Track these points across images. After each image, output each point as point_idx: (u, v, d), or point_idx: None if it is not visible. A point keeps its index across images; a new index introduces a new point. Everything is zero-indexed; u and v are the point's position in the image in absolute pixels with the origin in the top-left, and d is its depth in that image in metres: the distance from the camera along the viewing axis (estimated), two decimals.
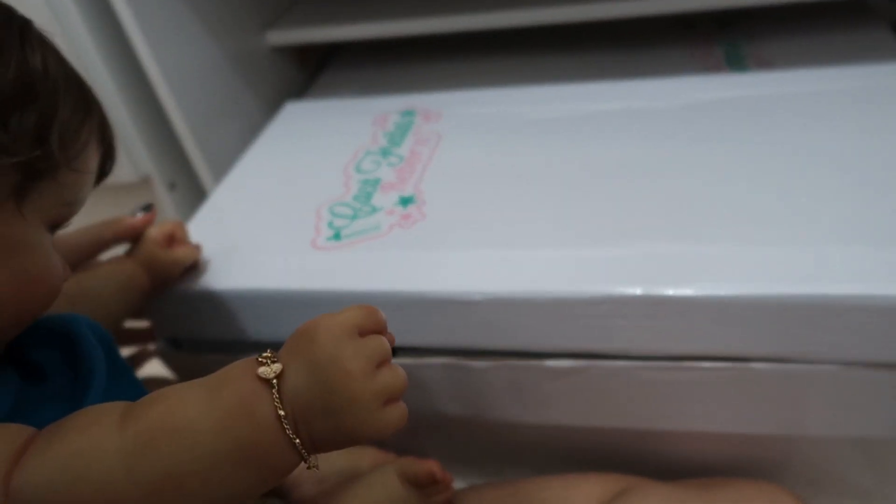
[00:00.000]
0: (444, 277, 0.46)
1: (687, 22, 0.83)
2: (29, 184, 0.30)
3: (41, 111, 0.29)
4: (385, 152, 0.61)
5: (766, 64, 0.72)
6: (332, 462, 0.51)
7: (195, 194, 0.78)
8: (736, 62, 0.74)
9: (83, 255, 0.47)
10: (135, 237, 0.50)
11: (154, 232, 0.49)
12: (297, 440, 0.26)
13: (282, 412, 0.26)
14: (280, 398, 0.26)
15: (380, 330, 0.29)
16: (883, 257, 0.41)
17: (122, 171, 0.74)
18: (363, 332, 0.28)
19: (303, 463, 0.28)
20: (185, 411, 0.26)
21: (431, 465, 0.45)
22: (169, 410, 0.27)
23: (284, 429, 0.26)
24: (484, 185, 0.54)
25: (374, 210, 0.54)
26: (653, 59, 0.79)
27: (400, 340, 0.46)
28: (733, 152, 0.52)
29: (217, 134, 0.75)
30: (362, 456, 0.51)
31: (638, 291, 0.42)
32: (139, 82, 0.70)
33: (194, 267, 0.52)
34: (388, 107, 0.68)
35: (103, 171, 0.36)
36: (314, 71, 0.93)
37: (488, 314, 0.45)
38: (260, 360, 0.27)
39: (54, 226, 0.33)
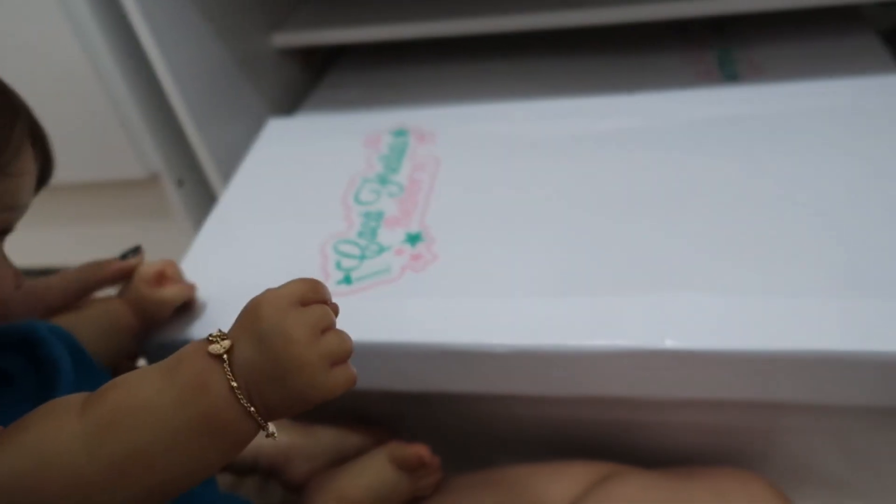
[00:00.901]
0: (464, 328, 0.46)
1: (682, 26, 0.85)
2: None
3: None
4: (383, 180, 0.60)
5: (757, 69, 0.74)
6: (321, 439, 0.53)
7: (203, 191, 0.81)
8: (728, 66, 0.76)
9: (69, 299, 0.46)
10: (121, 280, 0.48)
11: (143, 270, 0.48)
12: (252, 408, 0.28)
13: (234, 384, 0.28)
14: (232, 371, 0.28)
15: (322, 300, 0.31)
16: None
17: (132, 167, 0.76)
18: (305, 303, 0.30)
19: (261, 431, 0.29)
20: (143, 391, 0.28)
21: (420, 449, 0.47)
22: (127, 392, 0.28)
23: (239, 399, 0.28)
24: (491, 220, 0.54)
25: (382, 249, 0.53)
26: (647, 62, 0.81)
27: (419, 388, 0.48)
28: (745, 178, 0.52)
29: (224, 132, 0.77)
30: (350, 433, 0.53)
31: (664, 346, 0.42)
32: (149, 82, 0.72)
33: (187, 307, 0.50)
34: (378, 125, 0.67)
35: (43, 173, 0.36)
36: (318, 71, 0.95)
37: (510, 364, 0.46)
38: (210, 338, 0.29)
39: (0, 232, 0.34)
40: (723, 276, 0.46)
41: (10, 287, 0.34)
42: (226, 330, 0.30)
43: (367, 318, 0.47)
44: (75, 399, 0.28)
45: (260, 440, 0.49)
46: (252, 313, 0.29)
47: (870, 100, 0.58)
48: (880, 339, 0.40)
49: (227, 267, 0.54)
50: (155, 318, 0.48)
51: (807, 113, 0.58)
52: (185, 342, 0.47)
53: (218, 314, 0.50)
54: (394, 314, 0.47)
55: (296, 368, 0.28)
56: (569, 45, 0.87)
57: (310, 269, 0.52)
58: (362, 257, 0.53)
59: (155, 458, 0.27)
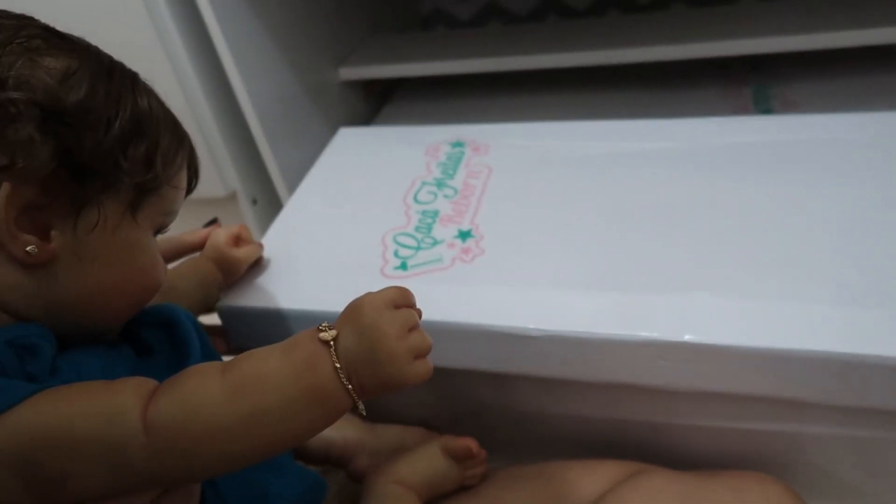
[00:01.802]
0: (506, 313, 0.51)
1: (722, 63, 0.90)
2: (141, 198, 0.38)
3: (149, 142, 0.38)
4: (440, 184, 0.66)
5: (790, 105, 0.79)
6: (385, 437, 0.59)
7: (274, 209, 0.89)
8: (763, 102, 0.80)
9: (167, 259, 0.54)
10: (194, 249, 0.58)
11: (222, 233, 0.57)
12: (350, 386, 0.34)
13: (337, 365, 0.34)
14: (336, 355, 0.34)
15: (411, 304, 0.37)
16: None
17: (214, 187, 0.85)
18: (397, 306, 0.36)
19: (354, 406, 0.35)
20: (269, 364, 0.34)
21: (469, 442, 0.53)
22: (257, 363, 0.34)
23: (340, 378, 0.34)
24: (535, 222, 0.59)
25: (436, 242, 0.59)
26: (687, 96, 0.86)
27: (461, 365, 0.54)
28: (766, 198, 0.57)
29: (294, 156, 0.86)
30: (411, 434, 0.60)
31: (682, 338, 0.47)
32: (232, 110, 0.81)
33: (258, 265, 0.59)
34: (438, 137, 0.73)
35: (190, 187, 0.44)
36: (379, 102, 1.03)
37: (544, 348, 0.51)
38: (320, 328, 0.35)
39: (157, 231, 0.41)
40: (741, 280, 0.50)
41: (164, 274, 0.42)
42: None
43: (419, 300, 0.52)
44: (215, 365, 0.35)
45: (331, 435, 0.57)
46: (355, 310, 0.36)
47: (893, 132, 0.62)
48: (885, 344, 0.44)
49: (301, 247, 0.61)
50: (232, 273, 0.56)
51: (832, 142, 0.62)
52: (261, 308, 0.56)
53: (292, 286, 0.57)
54: (443, 298, 0.53)
55: (386, 358, 0.34)
56: (615, 79, 0.93)
57: (371, 255, 0.58)
58: (418, 248, 0.59)
59: (274, 416, 0.33)
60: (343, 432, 0.58)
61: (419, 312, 0.38)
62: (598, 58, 0.85)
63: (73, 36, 0.37)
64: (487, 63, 0.90)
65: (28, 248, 0.34)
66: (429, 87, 1.02)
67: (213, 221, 0.61)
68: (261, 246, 0.59)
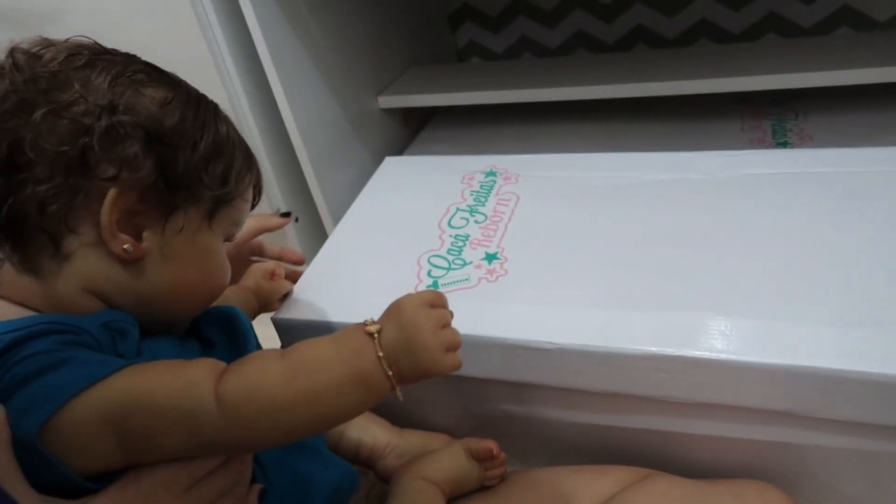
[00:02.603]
0: (524, 328, 0.56)
1: (741, 96, 0.94)
2: (216, 209, 0.44)
3: (226, 162, 0.44)
4: (472, 210, 0.72)
5: (806, 139, 0.82)
6: (411, 441, 0.64)
7: (315, 227, 0.95)
8: (780, 135, 0.84)
9: (249, 235, 0.67)
10: (272, 230, 0.68)
11: (261, 267, 0.64)
12: (390, 373, 0.39)
13: (380, 354, 0.39)
14: (379, 345, 0.39)
15: (444, 305, 0.43)
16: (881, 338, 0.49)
17: (260, 205, 0.91)
18: (433, 306, 0.41)
19: (393, 392, 0.40)
20: (321, 350, 0.39)
21: (491, 444, 0.57)
22: (311, 349, 0.40)
23: (382, 365, 0.39)
24: (555, 246, 0.64)
25: (465, 263, 0.64)
26: (708, 128, 0.90)
27: (483, 375, 0.59)
28: (775, 226, 0.61)
29: (334, 178, 0.92)
30: (436, 439, 0.64)
31: (676, 352, 0.52)
32: (279, 135, 0.87)
33: (288, 297, 0.65)
34: (473, 166, 0.79)
35: (254, 203, 0.50)
36: (416, 129, 1.09)
37: (557, 360, 0.55)
38: (366, 323, 0.41)
39: (226, 239, 0.47)
40: (745, 300, 0.54)
41: (229, 277, 0.47)
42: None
43: None
44: (275, 351, 0.40)
45: (362, 436, 0.62)
46: (396, 308, 0.41)
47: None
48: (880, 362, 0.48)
49: (348, 266, 0.68)
50: (267, 301, 0.63)
51: (839, 175, 0.65)
52: (310, 321, 0.62)
53: (338, 302, 0.63)
54: (468, 313, 0.57)
55: (422, 349, 0.39)
56: (639, 111, 0.97)
57: (407, 274, 0.64)
58: (448, 268, 0.64)
59: (325, 395, 0.38)
60: (373, 435, 0.63)
61: (451, 313, 0.43)
62: (625, 91, 0.90)
63: (168, 71, 0.44)
64: (519, 94, 0.95)
65: (125, 246, 0.40)
66: (463, 115, 1.07)
67: (288, 214, 0.73)
68: (291, 284, 0.66)
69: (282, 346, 0.65)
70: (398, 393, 0.40)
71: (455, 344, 0.41)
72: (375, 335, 0.40)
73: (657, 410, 0.57)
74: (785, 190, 0.65)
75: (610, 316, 0.56)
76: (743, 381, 0.51)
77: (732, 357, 0.50)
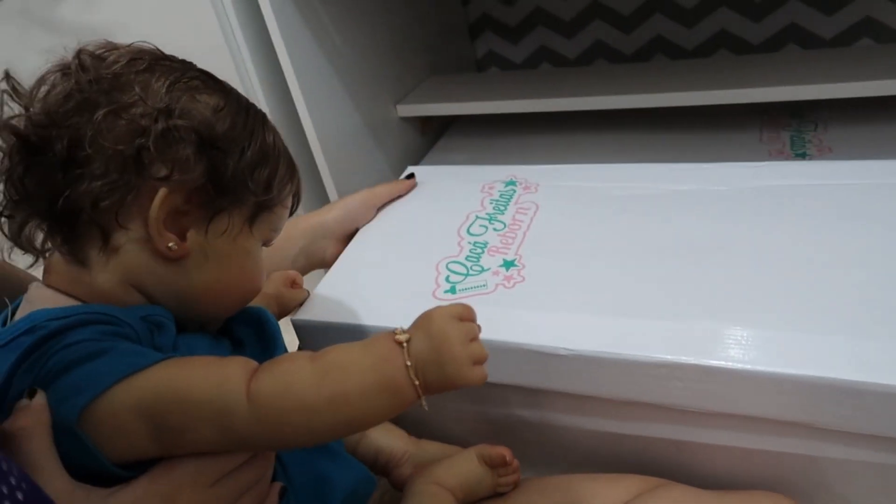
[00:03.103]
0: (537, 333, 0.56)
1: (761, 108, 0.94)
2: (258, 213, 0.46)
3: (270, 169, 0.46)
4: (491, 218, 0.72)
5: (825, 150, 0.82)
6: (428, 451, 0.64)
7: None
8: (799, 147, 0.84)
9: (384, 200, 0.75)
10: (402, 193, 0.77)
11: (281, 276, 0.66)
12: (417, 382, 0.39)
13: (409, 363, 0.39)
14: (408, 354, 0.40)
15: (473, 319, 0.43)
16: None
17: None
18: (463, 319, 0.42)
19: (419, 401, 0.40)
20: (352, 355, 0.40)
21: (504, 450, 0.57)
22: (342, 353, 0.40)
23: (409, 373, 0.39)
24: (572, 254, 0.65)
25: (483, 270, 0.65)
26: (727, 139, 0.90)
27: (499, 380, 0.59)
28: (793, 237, 0.61)
29: (353, 184, 0.92)
30: (452, 451, 0.64)
31: (692, 361, 0.52)
32: (299, 142, 0.89)
33: (329, 284, 0.67)
34: (493, 175, 0.80)
35: (292, 210, 0.52)
36: (434, 138, 1.10)
37: (571, 366, 0.56)
38: (395, 331, 0.41)
39: (265, 244, 0.49)
40: (760, 311, 0.54)
41: (263, 281, 0.49)
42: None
43: None
44: (305, 353, 0.41)
45: (380, 443, 0.63)
46: (427, 319, 0.42)
47: None
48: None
49: (368, 270, 0.69)
50: (286, 308, 0.64)
51: (857, 187, 0.65)
52: (329, 323, 0.63)
53: (357, 304, 0.64)
54: (485, 318, 0.56)
55: (450, 360, 0.40)
56: (658, 121, 0.97)
57: (426, 280, 0.65)
58: (467, 274, 0.65)
59: (353, 398, 0.39)
60: (391, 442, 0.63)
61: (479, 327, 0.44)
62: (643, 101, 0.90)
63: (220, 79, 0.46)
64: (537, 104, 0.95)
65: (170, 244, 0.42)
66: (480, 124, 1.08)
67: (412, 175, 0.79)
68: (307, 291, 0.67)
69: (300, 348, 0.66)
70: (423, 402, 0.40)
71: (482, 357, 0.41)
72: (405, 344, 0.40)
73: (671, 419, 0.57)
74: (802, 202, 0.65)
75: (626, 324, 0.56)
76: (758, 391, 0.51)
77: (748, 367, 0.50)
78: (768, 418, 0.52)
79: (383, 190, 0.77)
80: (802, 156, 0.81)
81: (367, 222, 0.75)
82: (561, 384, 0.57)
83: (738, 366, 0.51)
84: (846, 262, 0.57)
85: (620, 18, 1.19)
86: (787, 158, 0.82)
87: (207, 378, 0.38)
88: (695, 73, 0.94)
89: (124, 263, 0.42)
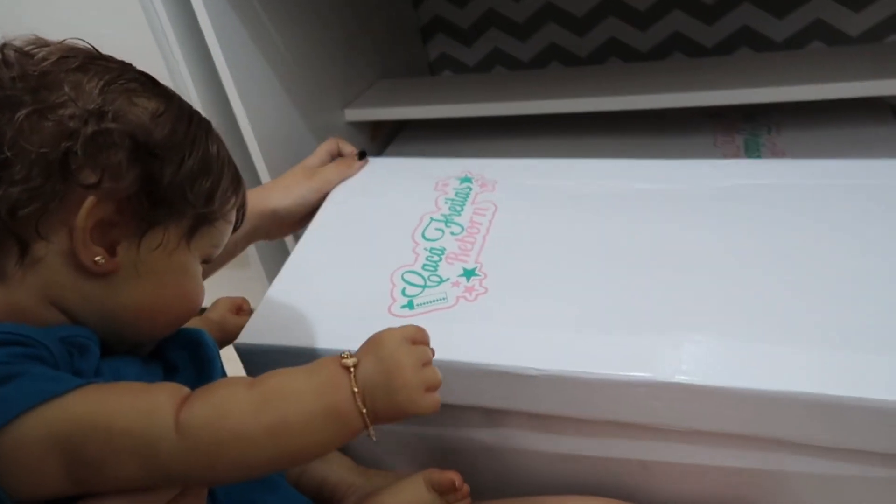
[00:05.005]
0: (506, 353, 0.53)
1: (714, 111, 0.93)
2: (197, 228, 0.42)
3: (213, 181, 0.42)
4: (447, 221, 0.68)
5: (779, 154, 0.81)
6: (376, 482, 0.60)
7: (277, 245, 0.91)
8: (753, 150, 0.83)
9: (331, 185, 0.74)
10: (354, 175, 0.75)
11: (227, 302, 0.64)
12: (364, 410, 0.37)
13: (356, 389, 0.37)
14: (355, 380, 0.37)
15: (426, 342, 0.41)
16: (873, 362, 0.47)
17: None
18: (415, 342, 0.39)
19: (365, 430, 0.37)
20: (294, 381, 0.37)
21: (453, 475, 0.54)
22: (283, 379, 0.37)
23: (356, 401, 0.37)
24: (536, 260, 0.61)
25: (442, 280, 0.60)
26: (681, 143, 0.89)
27: (462, 402, 0.55)
28: (759, 243, 0.59)
29: None
30: (403, 478, 0.60)
31: (674, 378, 0.49)
32: (238, 150, 0.84)
33: (275, 301, 0.62)
34: (447, 170, 0.75)
35: (237, 226, 0.48)
36: (384, 143, 1.06)
37: (540, 386, 0.52)
38: (343, 356, 0.38)
39: (204, 261, 0.45)
40: (730, 323, 0.52)
41: (202, 300, 0.45)
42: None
43: None
44: (244, 379, 0.38)
45: (326, 474, 0.59)
46: (376, 342, 0.39)
47: (875, 181, 0.63)
48: (864, 387, 0.46)
49: (314, 285, 0.63)
50: (229, 335, 0.62)
51: (825, 187, 0.64)
52: (278, 346, 0.57)
53: (305, 325, 0.59)
54: (446, 336, 0.53)
55: (401, 386, 0.37)
56: (612, 126, 0.96)
57: (380, 294, 0.60)
58: (424, 286, 0.60)
59: (295, 429, 0.36)
60: (338, 473, 0.60)
61: (433, 351, 0.41)
62: (597, 104, 0.88)
63: (162, 83, 0.43)
64: (489, 108, 0.93)
65: (96, 258, 0.38)
66: (433, 129, 1.05)
67: (364, 154, 0.77)
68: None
69: (246, 374, 0.61)
70: (371, 432, 0.37)
71: (435, 384, 0.39)
72: (352, 369, 0.38)
73: (638, 438, 0.54)
74: (773, 203, 0.63)
75: (598, 339, 0.53)
76: (722, 405, 0.49)
77: (713, 383, 0.48)
78: (737, 434, 0.50)
79: (335, 175, 0.75)
80: (757, 159, 0.80)
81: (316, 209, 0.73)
82: (530, 406, 0.54)
83: (716, 383, 0.48)
84: (808, 270, 0.56)
85: (574, 21, 1.17)
86: None
87: (131, 406, 0.35)
88: (649, 76, 0.92)
89: (44, 278, 0.38)
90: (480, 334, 0.55)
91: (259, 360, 0.60)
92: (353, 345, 0.40)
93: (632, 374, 0.50)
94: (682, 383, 0.49)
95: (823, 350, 0.49)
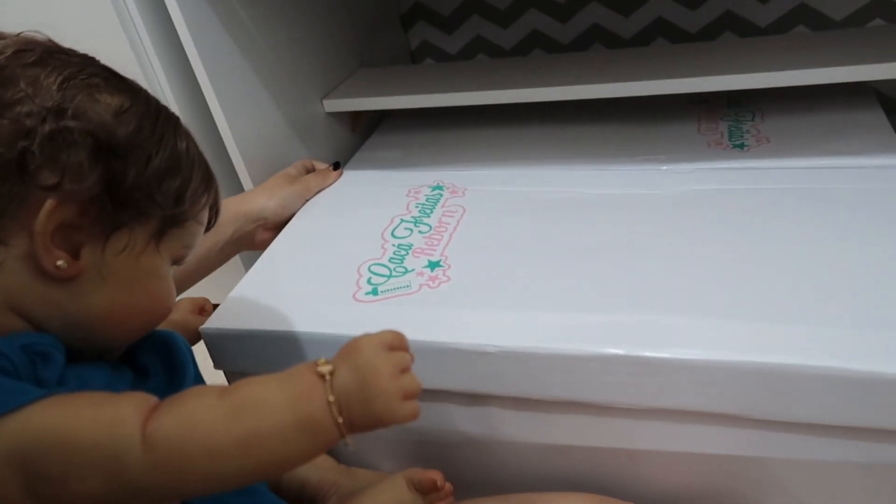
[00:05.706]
0: (464, 331, 0.55)
1: (698, 98, 0.92)
2: (166, 229, 0.41)
3: (182, 180, 0.41)
4: (417, 221, 0.71)
5: (763, 140, 0.80)
6: (359, 481, 0.60)
7: None
8: (737, 137, 0.82)
9: (306, 198, 0.78)
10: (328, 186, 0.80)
11: (189, 302, 0.64)
12: (341, 419, 0.36)
13: (331, 398, 0.36)
14: (331, 389, 0.36)
15: (405, 348, 0.39)
16: (830, 335, 0.49)
17: None
18: (393, 349, 0.38)
19: (342, 440, 0.36)
20: (266, 390, 0.36)
21: (434, 474, 0.54)
22: (254, 389, 0.36)
23: (332, 411, 0.36)
24: (500, 254, 0.64)
25: (407, 271, 0.64)
26: (664, 130, 0.87)
27: (427, 385, 0.55)
28: (721, 235, 0.61)
29: None
30: (386, 476, 0.59)
31: (622, 352, 0.50)
32: (214, 143, 0.82)
33: (242, 289, 0.64)
34: (421, 180, 0.79)
35: (209, 226, 0.47)
36: (365, 134, 1.04)
37: (499, 364, 0.53)
38: (318, 362, 0.37)
39: (175, 262, 0.44)
40: (687, 301, 0.54)
41: (173, 303, 0.44)
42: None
43: (387, 321, 0.54)
44: (214, 388, 0.36)
45: (307, 474, 0.58)
46: (353, 349, 0.38)
47: (865, 177, 0.66)
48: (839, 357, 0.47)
49: (283, 277, 0.67)
50: (194, 338, 0.60)
51: (808, 189, 0.67)
52: (244, 331, 0.59)
53: (269, 310, 0.61)
54: (407, 318, 0.56)
55: (378, 395, 0.36)
56: (595, 112, 0.95)
57: (346, 282, 0.63)
58: (390, 276, 0.63)
59: (267, 440, 0.34)
60: (319, 473, 0.59)
61: (412, 357, 0.40)
62: (581, 92, 0.86)
63: (128, 78, 0.41)
64: (472, 97, 0.91)
65: (58, 263, 0.37)
66: (415, 119, 1.03)
67: (337, 165, 0.84)
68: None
69: (212, 359, 0.62)
70: (348, 441, 0.36)
71: (414, 391, 0.37)
72: (327, 377, 0.36)
73: (614, 423, 0.54)
74: (731, 202, 0.66)
75: (554, 319, 0.54)
76: (694, 382, 0.49)
77: (680, 356, 0.49)
78: (716, 413, 0.50)
79: (314, 183, 0.80)
80: (741, 146, 0.79)
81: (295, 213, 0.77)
82: (488, 385, 0.55)
83: (668, 356, 0.49)
84: (775, 253, 0.58)
85: (557, 7, 1.16)
86: (725, 149, 0.79)
87: (96, 418, 0.33)
88: (632, 62, 0.91)
89: (4, 284, 0.37)
90: (440, 316, 0.56)
91: (226, 346, 0.60)
92: (317, 328, 0.39)
93: (584, 348, 0.51)
94: (616, 354, 0.50)
95: (797, 324, 0.50)
